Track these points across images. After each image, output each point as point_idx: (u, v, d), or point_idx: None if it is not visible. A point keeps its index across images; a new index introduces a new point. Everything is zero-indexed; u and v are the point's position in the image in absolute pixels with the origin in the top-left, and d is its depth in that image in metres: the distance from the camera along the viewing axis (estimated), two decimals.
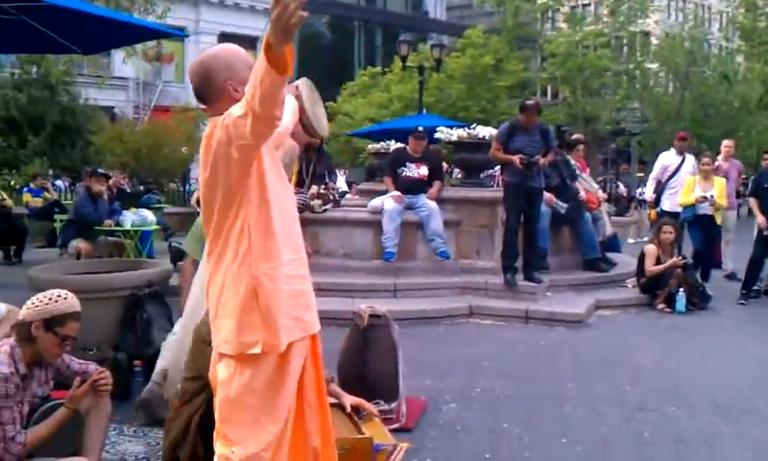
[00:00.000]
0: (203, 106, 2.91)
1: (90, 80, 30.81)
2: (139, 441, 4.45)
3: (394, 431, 4.66)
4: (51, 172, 18.53)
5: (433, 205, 8.99)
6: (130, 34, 7.00)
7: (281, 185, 2.91)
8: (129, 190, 14.25)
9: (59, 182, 17.60)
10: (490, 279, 8.73)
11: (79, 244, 8.58)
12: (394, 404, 4.89)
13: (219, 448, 2.84)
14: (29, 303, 3.74)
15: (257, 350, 2.73)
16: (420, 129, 9.39)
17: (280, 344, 2.75)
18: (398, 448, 4.37)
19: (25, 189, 14.90)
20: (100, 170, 10.64)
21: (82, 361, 4.07)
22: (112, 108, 31.73)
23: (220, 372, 2.84)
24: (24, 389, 3.67)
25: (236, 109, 2.60)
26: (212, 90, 2.83)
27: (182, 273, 5.51)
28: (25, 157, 18.48)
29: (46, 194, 14.39)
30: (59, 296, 3.73)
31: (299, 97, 3.07)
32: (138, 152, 17.53)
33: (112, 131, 19.08)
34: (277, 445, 2.81)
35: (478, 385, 5.76)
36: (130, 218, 9.36)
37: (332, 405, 4.25)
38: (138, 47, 20.85)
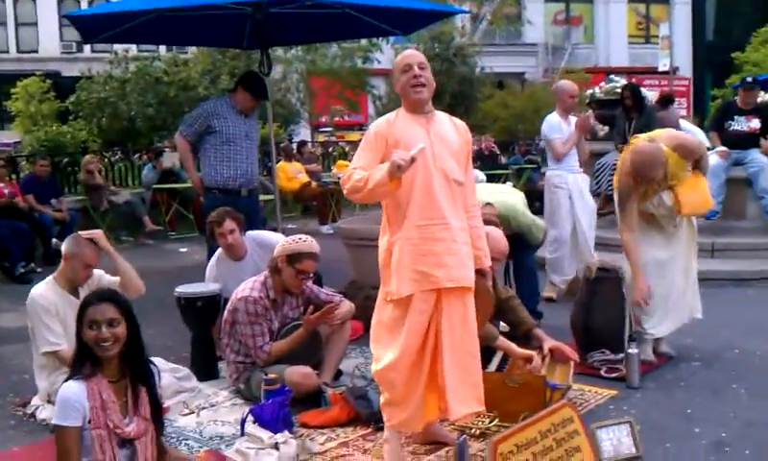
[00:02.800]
0: None
1: (497, 49, 32.65)
2: None
3: (614, 380, 4.90)
4: None
5: (765, 160, 8.46)
6: (430, 15, 7.99)
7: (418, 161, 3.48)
8: (497, 153, 15.08)
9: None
10: None
11: None
12: (620, 355, 5.08)
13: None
14: (280, 243, 4.79)
15: (389, 297, 3.53)
16: (749, 79, 8.83)
17: (401, 292, 3.47)
18: (601, 392, 4.64)
19: None
20: None
21: (329, 292, 5.03)
22: (523, 73, 33.09)
23: (377, 305, 3.68)
24: (274, 310, 4.72)
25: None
26: None
27: None
28: None
29: None
30: (299, 238, 4.72)
31: None
32: (521, 116, 18.43)
33: (498, 97, 20.27)
34: (400, 369, 3.52)
35: (741, 347, 5.58)
36: None
37: (534, 347, 4.72)
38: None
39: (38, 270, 9.02)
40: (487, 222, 5.21)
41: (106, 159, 13.11)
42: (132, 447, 3.06)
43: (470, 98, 21.67)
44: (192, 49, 18.93)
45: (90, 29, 7.54)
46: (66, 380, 3.05)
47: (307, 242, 4.71)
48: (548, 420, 3.49)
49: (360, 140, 3.88)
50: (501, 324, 5.01)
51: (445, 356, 3.50)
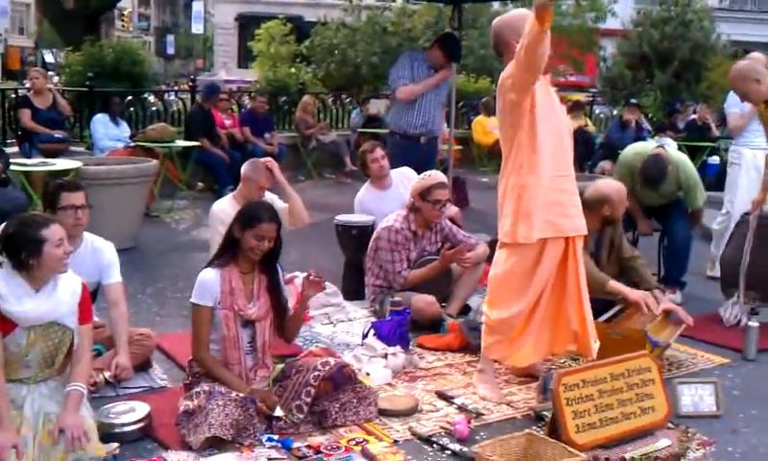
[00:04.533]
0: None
1: (746, 16, 30.58)
2: None
3: (731, 350, 4.92)
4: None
5: None
6: None
7: (553, 115, 3.85)
8: (710, 124, 14.25)
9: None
10: None
11: (604, 164, 9.79)
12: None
13: (484, 307, 4.10)
14: (413, 184, 5.30)
15: (520, 239, 3.81)
16: None
17: (532, 237, 3.77)
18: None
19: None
20: (633, 101, 11.77)
21: (467, 235, 5.47)
22: None
23: (497, 254, 4.00)
24: (414, 242, 5.25)
25: (510, 65, 3.67)
26: (501, 46, 3.95)
27: None
28: (650, 91, 19.87)
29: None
30: (427, 175, 5.25)
31: None
32: None
33: (728, 67, 19.05)
34: (524, 317, 3.91)
35: None
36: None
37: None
38: None
39: None
40: (655, 156, 5.80)
41: (321, 102, 14.08)
42: (254, 328, 3.73)
43: (700, 66, 20.64)
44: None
45: None
46: (206, 266, 3.76)
47: (432, 175, 5.23)
48: (623, 365, 3.72)
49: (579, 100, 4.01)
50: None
51: (584, 300, 3.91)
